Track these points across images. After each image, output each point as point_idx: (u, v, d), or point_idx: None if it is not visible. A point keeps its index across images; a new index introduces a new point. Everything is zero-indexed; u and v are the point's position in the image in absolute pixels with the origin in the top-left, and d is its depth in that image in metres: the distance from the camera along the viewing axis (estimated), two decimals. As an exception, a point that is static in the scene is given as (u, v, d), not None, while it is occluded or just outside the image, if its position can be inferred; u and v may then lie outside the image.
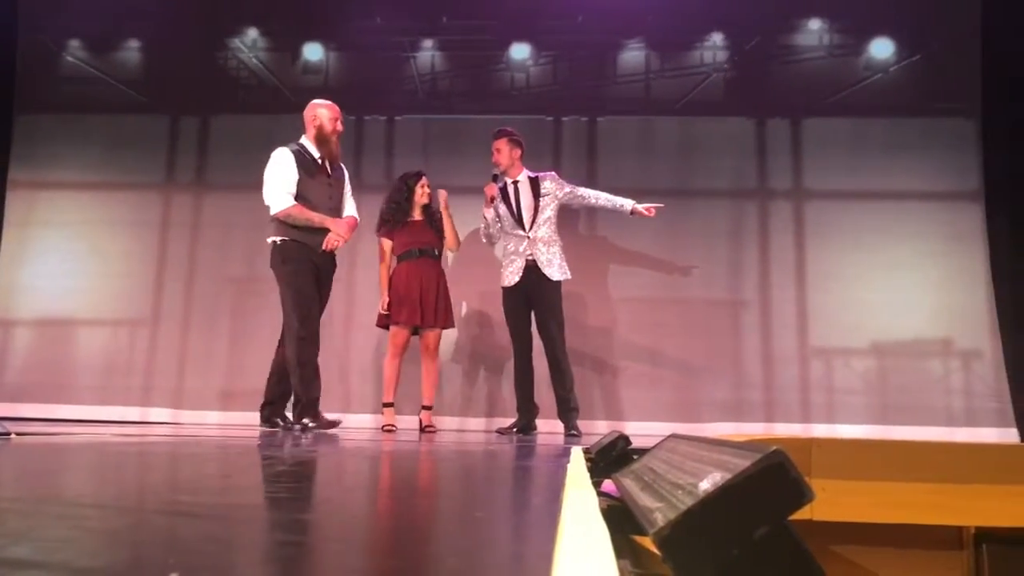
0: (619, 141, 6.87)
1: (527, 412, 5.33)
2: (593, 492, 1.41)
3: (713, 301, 6.62)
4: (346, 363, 6.63)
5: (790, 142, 6.77)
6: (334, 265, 5.05)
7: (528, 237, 5.30)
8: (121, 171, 7.10)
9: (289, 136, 7.06)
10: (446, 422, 6.29)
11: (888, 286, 6.44)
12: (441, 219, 5.52)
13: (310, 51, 7.13)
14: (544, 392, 5.47)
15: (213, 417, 6.55)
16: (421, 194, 5.52)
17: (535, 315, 5.31)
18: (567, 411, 5.18)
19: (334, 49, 7.13)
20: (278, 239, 4.82)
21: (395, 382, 5.46)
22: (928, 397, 6.31)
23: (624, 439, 2.44)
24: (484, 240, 5.55)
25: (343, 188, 5.11)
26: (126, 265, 6.94)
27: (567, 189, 5.43)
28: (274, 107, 7.03)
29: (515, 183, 5.40)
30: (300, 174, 4.84)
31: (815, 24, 6.86)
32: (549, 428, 5.59)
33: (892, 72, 6.75)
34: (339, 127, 5.03)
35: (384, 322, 5.47)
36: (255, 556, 0.86)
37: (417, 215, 5.53)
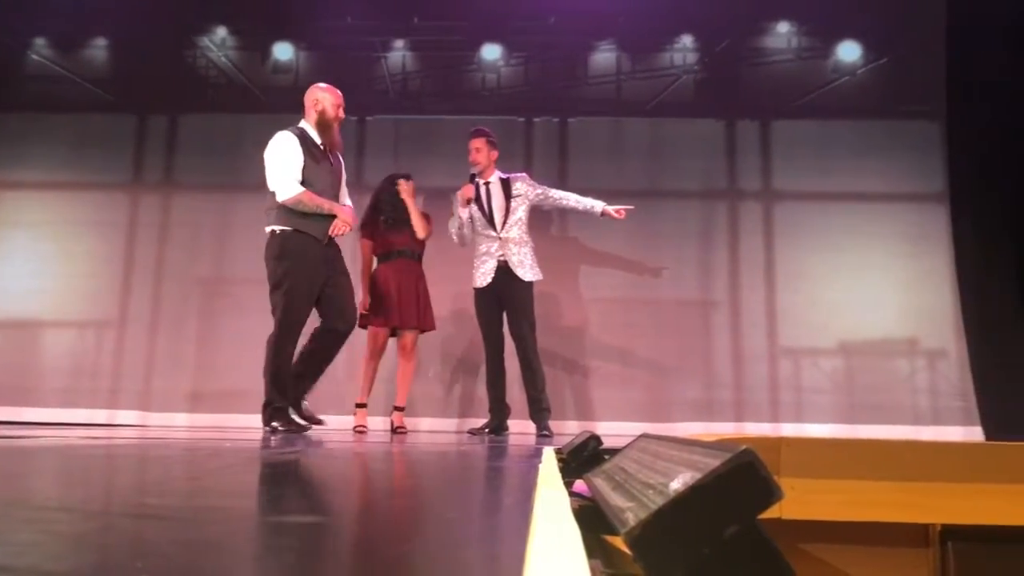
0: (590, 142, 6.89)
1: (499, 413, 5.33)
2: (565, 492, 1.42)
3: (683, 301, 6.66)
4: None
5: (759, 143, 6.83)
6: (339, 252, 4.76)
7: (500, 238, 5.29)
8: (88, 171, 7.01)
9: (259, 136, 6.97)
10: (421, 423, 6.27)
11: (855, 286, 6.51)
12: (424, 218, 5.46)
13: (280, 50, 7.08)
14: (516, 393, 5.47)
15: (181, 419, 6.49)
16: (406, 192, 5.43)
17: (507, 316, 5.31)
18: (539, 412, 5.19)
19: (304, 49, 7.09)
20: (278, 228, 4.49)
21: (370, 383, 5.43)
22: (895, 396, 6.39)
23: (595, 439, 2.44)
24: (456, 240, 5.54)
25: (342, 178, 4.89)
26: (92, 266, 6.86)
27: (538, 190, 5.43)
28: (243, 107, 6.99)
29: (487, 184, 5.40)
30: (305, 159, 4.54)
31: (784, 27, 6.93)
32: (521, 429, 5.59)
33: (859, 75, 6.83)
34: (341, 114, 4.76)
35: (363, 322, 5.43)
36: (223, 559, 0.85)
37: (401, 216, 5.44)
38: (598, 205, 5.42)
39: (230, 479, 1.88)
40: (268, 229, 4.55)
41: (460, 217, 5.38)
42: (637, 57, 6.98)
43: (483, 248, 5.34)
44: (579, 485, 1.83)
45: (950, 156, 6.61)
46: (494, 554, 0.91)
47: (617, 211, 5.39)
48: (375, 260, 5.49)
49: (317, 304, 4.62)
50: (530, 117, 6.92)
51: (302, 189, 4.47)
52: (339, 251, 4.74)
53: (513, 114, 6.91)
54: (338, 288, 4.62)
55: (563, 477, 1.81)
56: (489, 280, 5.27)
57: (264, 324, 6.53)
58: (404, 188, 5.39)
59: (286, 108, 6.92)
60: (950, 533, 2.68)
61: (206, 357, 6.63)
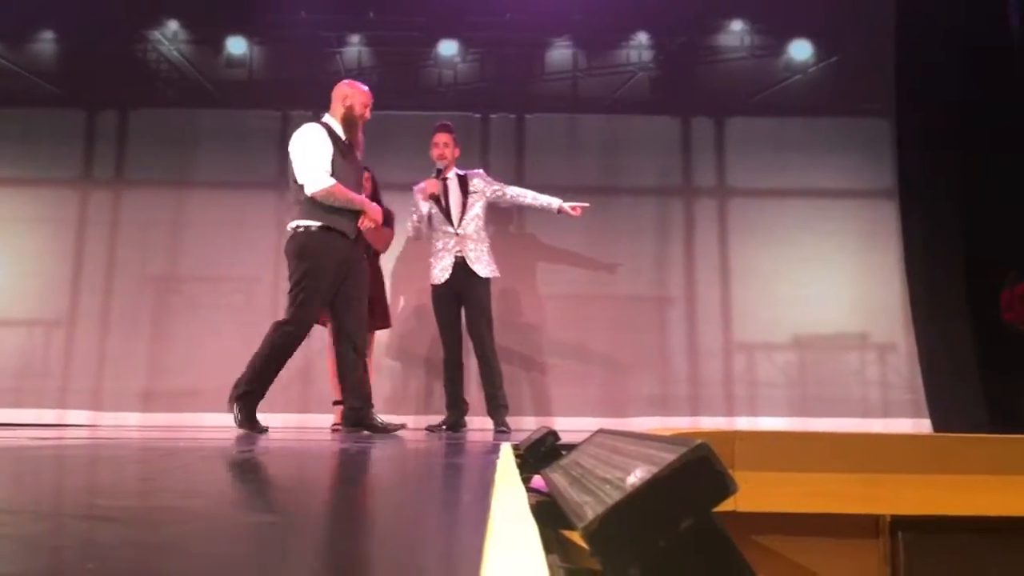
0: (547, 138, 6.90)
1: (456, 409, 5.33)
2: (522, 488, 1.42)
3: (639, 297, 6.70)
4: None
5: (714, 140, 6.90)
6: (364, 255, 4.68)
7: (457, 234, 5.29)
8: (36, 167, 6.87)
9: (213, 131, 6.91)
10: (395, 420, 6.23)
11: (808, 281, 6.61)
12: (386, 214, 5.36)
13: (233, 45, 6.99)
14: (474, 389, 5.48)
15: (134, 419, 6.39)
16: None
17: (465, 313, 5.31)
18: (496, 408, 5.20)
19: (258, 43, 7.02)
20: (302, 225, 4.32)
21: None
22: (846, 389, 6.50)
23: (553, 435, 2.45)
24: (412, 234, 5.51)
25: (363, 177, 4.80)
26: (41, 264, 6.72)
27: (495, 187, 5.43)
28: (196, 101, 6.90)
29: (445, 179, 5.39)
30: (334, 153, 4.39)
31: (737, 25, 7.00)
32: (479, 425, 5.60)
33: (811, 73, 6.93)
34: (368, 114, 4.64)
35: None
36: (178, 560, 0.84)
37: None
38: (555, 202, 5.44)
39: (184, 479, 1.85)
40: (292, 225, 4.36)
41: (420, 211, 5.36)
42: (593, 54, 7.01)
43: (440, 244, 5.33)
44: (536, 481, 1.84)
45: (899, 153, 6.74)
46: (451, 551, 0.91)
47: (573, 208, 5.41)
48: None
49: (331, 303, 4.45)
50: (486, 113, 6.92)
51: (333, 181, 4.29)
52: (362, 250, 4.65)
53: (470, 110, 6.90)
54: (355, 288, 4.47)
55: (521, 473, 1.82)
56: (447, 276, 5.27)
57: (218, 322, 6.52)
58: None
59: (240, 103, 6.89)
60: (900, 523, 2.73)
61: (159, 356, 6.54)
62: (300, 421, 6.21)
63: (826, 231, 6.71)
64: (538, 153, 6.85)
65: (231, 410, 4.33)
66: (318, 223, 4.29)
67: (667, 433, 2.15)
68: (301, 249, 4.31)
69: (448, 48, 6.95)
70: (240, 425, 4.32)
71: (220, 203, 6.75)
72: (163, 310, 6.62)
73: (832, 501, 2.66)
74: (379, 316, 5.34)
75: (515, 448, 2.53)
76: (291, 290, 4.34)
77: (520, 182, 6.08)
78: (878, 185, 6.75)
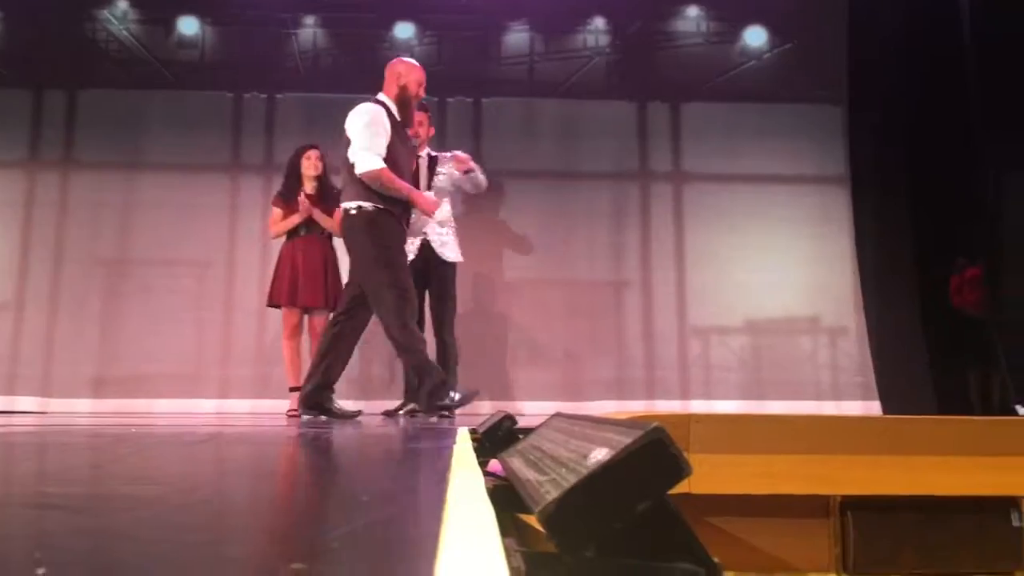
0: (504, 122, 6.89)
1: (415, 392, 5.27)
2: (479, 472, 1.42)
3: (596, 282, 6.73)
4: (227, 345, 6.46)
5: (670, 126, 6.93)
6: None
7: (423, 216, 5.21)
8: (-19, 147, 6.70)
9: (165, 113, 6.78)
10: (346, 406, 6.18)
11: (762, 266, 6.68)
12: (334, 195, 5.26)
13: (185, 24, 6.85)
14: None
15: (84, 405, 6.28)
16: (307, 166, 5.21)
17: (430, 295, 5.26)
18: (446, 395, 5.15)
19: (211, 23, 6.88)
20: (367, 204, 4.15)
21: (298, 364, 5.17)
22: (798, 372, 6.60)
23: (510, 419, 2.46)
24: None
25: (416, 159, 4.61)
26: (-13, 247, 6.57)
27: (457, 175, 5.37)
28: (147, 82, 6.76)
29: (417, 158, 5.32)
30: (392, 135, 4.23)
31: (693, 11, 7.03)
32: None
33: (765, 59, 6.98)
34: (422, 92, 4.50)
35: (269, 301, 5.27)
36: (129, 548, 0.83)
37: (308, 189, 5.23)
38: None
39: (136, 466, 1.83)
40: (353, 205, 4.19)
41: None
42: (550, 38, 6.99)
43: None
44: (494, 465, 1.84)
45: (851, 140, 6.83)
46: (408, 535, 0.91)
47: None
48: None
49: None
50: (443, 97, 6.86)
51: (383, 165, 4.15)
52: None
53: (426, 93, 6.83)
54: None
55: (478, 457, 1.82)
56: (411, 258, 5.21)
57: (170, 306, 6.42)
58: (303, 203, 5.12)
59: (192, 84, 6.77)
60: (850, 504, 2.79)
61: (110, 341, 6.43)
62: (254, 407, 6.15)
63: (779, 217, 6.78)
64: (494, 137, 6.82)
65: (440, 411, 4.18)
66: (383, 205, 4.17)
67: (623, 417, 2.16)
68: (371, 227, 4.16)
69: (404, 30, 6.88)
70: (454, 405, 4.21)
71: (172, 186, 6.64)
72: (114, 294, 6.50)
73: (784, 482, 2.71)
74: (332, 298, 5.23)
75: (472, 432, 2.53)
76: (372, 275, 4.17)
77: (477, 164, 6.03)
78: (830, 172, 6.84)
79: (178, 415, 5.57)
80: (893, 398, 6.30)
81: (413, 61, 4.56)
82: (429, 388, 4.15)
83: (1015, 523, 2.75)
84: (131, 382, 6.29)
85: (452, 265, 5.26)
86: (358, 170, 4.14)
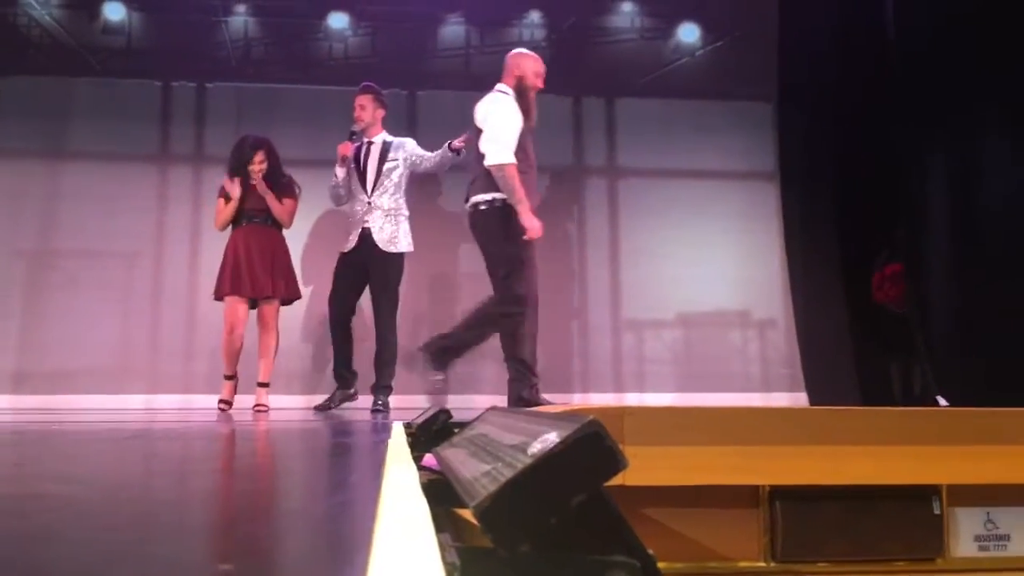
0: (439, 115, 6.84)
1: (345, 382, 5.19)
2: (414, 467, 1.41)
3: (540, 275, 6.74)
4: (155, 339, 6.32)
5: (605, 121, 6.98)
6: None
7: (368, 203, 5.15)
8: None
9: (90, 101, 6.60)
10: (297, 400, 6.10)
11: (694, 261, 6.78)
12: (281, 185, 5.15)
13: (110, 10, 6.66)
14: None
15: (4, 401, 6.08)
16: (256, 171, 5.03)
17: (370, 288, 5.18)
18: (380, 387, 5.11)
19: (137, 9, 6.70)
20: (497, 197, 4.26)
21: (235, 355, 5.05)
22: (729, 365, 6.72)
23: (445, 413, 2.46)
24: (331, 199, 5.31)
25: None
26: (-101, 238, 6.31)
27: (415, 153, 5.25)
28: (71, 69, 6.57)
29: (369, 143, 5.23)
30: (522, 128, 4.28)
31: (627, 7, 7.08)
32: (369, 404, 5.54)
33: (698, 56, 7.07)
34: (540, 84, 4.56)
35: (217, 293, 5.14)
36: (51, 551, 0.81)
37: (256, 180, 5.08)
38: (444, 149, 5.31)
39: (61, 464, 1.78)
40: (488, 197, 4.29)
41: (336, 175, 5.18)
42: (486, 31, 6.98)
43: (353, 211, 5.19)
44: (428, 459, 1.84)
45: (780, 137, 6.95)
46: (341, 532, 0.90)
47: (458, 142, 5.25)
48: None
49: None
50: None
51: (513, 160, 4.22)
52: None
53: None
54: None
55: (412, 452, 1.81)
56: (352, 246, 5.13)
57: (96, 299, 6.25)
58: (258, 181, 5.03)
59: (119, 72, 6.60)
60: (778, 493, 2.84)
61: (32, 335, 6.24)
62: (184, 402, 6.04)
63: (711, 211, 6.89)
64: (430, 130, 6.75)
65: (426, 360, 4.38)
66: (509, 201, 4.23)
67: (557, 410, 2.17)
68: (507, 221, 4.24)
69: (338, 21, 6.80)
70: (432, 367, 4.42)
71: (98, 175, 6.46)
72: (37, 287, 6.31)
73: (715, 473, 2.75)
74: (287, 287, 5.13)
75: (407, 427, 2.52)
76: (500, 267, 4.32)
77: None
78: (760, 167, 6.96)
79: (104, 411, 5.44)
80: (819, 390, 6.44)
81: (532, 53, 4.66)
82: (522, 387, 4.38)
83: (936, 510, 2.83)
84: (55, 378, 6.12)
85: (394, 257, 5.17)
86: (487, 161, 4.22)
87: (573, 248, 6.80)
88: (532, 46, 6.96)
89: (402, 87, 6.83)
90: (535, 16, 6.99)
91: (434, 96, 6.88)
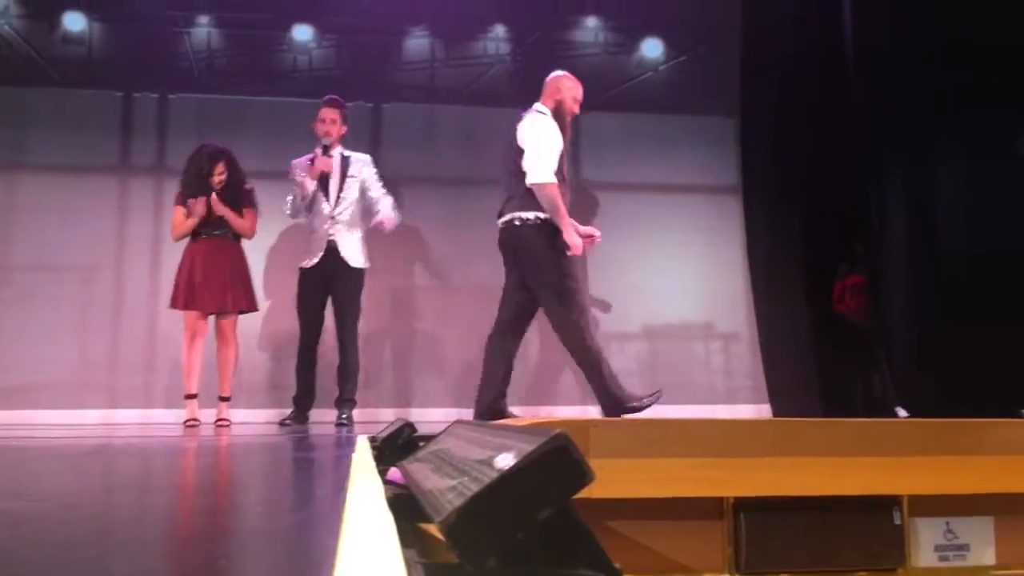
0: (404, 128, 6.85)
1: (309, 401, 5.19)
2: (379, 481, 1.40)
3: (496, 288, 6.72)
4: (114, 353, 6.23)
5: (571, 134, 6.99)
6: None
7: (331, 217, 5.13)
8: None
9: (49, 112, 6.51)
10: (258, 414, 6.02)
11: (658, 273, 6.82)
12: (241, 195, 5.12)
13: (71, 20, 6.57)
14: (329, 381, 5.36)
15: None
16: (217, 182, 5.03)
17: (333, 302, 5.16)
18: (344, 401, 5.11)
19: (98, 19, 6.62)
20: (540, 215, 4.36)
21: (196, 371, 5.01)
22: (693, 377, 6.76)
23: (410, 427, 2.44)
24: (288, 212, 5.26)
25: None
26: None
27: (369, 180, 5.28)
28: (30, 80, 6.47)
29: (329, 157, 5.23)
30: (562, 149, 4.41)
31: (592, 22, 7.13)
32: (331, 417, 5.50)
33: (661, 71, 7.14)
34: (576, 109, 4.69)
35: (173, 304, 5.07)
36: (8, 569, 0.79)
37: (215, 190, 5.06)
38: (381, 215, 5.27)
39: (18, 480, 1.74)
40: (529, 215, 4.38)
41: (305, 189, 5.12)
42: (451, 44, 6.99)
43: (315, 226, 5.16)
44: (393, 473, 1.82)
45: (743, 151, 7.03)
46: (305, 547, 0.89)
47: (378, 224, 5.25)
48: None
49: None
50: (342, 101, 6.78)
51: (555, 180, 4.33)
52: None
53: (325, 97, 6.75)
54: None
55: (377, 466, 1.80)
56: (316, 261, 5.11)
57: (54, 313, 6.15)
58: (215, 203, 4.99)
59: (79, 83, 6.51)
60: (742, 505, 2.86)
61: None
62: (144, 416, 5.95)
63: (675, 225, 6.94)
64: (395, 143, 6.78)
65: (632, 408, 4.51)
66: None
67: (523, 423, 2.17)
68: (554, 241, 4.33)
69: (302, 33, 6.77)
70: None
71: (56, 188, 6.37)
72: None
73: (680, 485, 2.76)
74: (238, 299, 5.08)
75: (371, 441, 2.50)
76: (552, 286, 4.37)
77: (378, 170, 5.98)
78: (723, 181, 7.03)
79: (63, 427, 5.35)
80: (782, 401, 6.50)
81: (573, 77, 4.74)
82: (607, 391, 4.49)
83: (897, 521, 2.87)
84: (12, 393, 5.99)
85: (358, 272, 5.18)
86: (530, 180, 4.33)
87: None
88: (496, 60, 7.00)
89: (366, 99, 6.82)
90: (500, 30, 7.02)
91: (399, 109, 6.87)
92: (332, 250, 5.10)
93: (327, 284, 5.13)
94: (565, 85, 4.68)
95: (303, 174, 5.14)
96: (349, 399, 5.11)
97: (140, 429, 4.88)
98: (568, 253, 4.36)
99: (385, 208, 5.28)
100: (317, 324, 5.16)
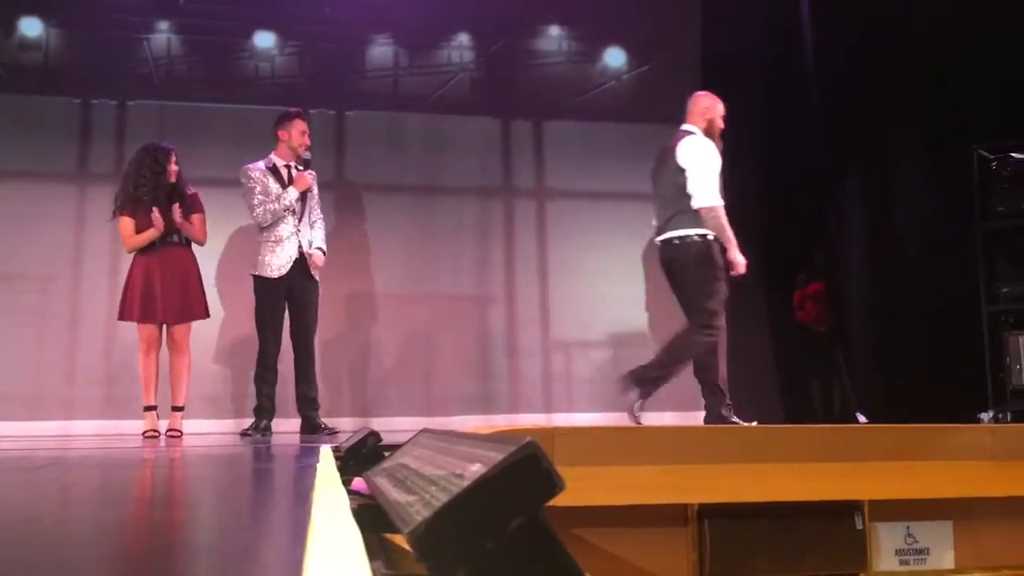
0: (368, 136, 6.81)
1: (271, 411, 5.15)
2: (344, 492, 1.39)
3: (461, 296, 6.74)
4: (71, 364, 6.12)
5: (533, 142, 7.03)
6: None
7: (299, 229, 5.13)
8: None
9: (5, 118, 6.39)
10: (213, 424, 5.94)
11: (621, 280, 6.84)
12: (188, 200, 5.04)
13: (27, 26, 6.44)
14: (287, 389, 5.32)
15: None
16: (171, 172, 4.97)
17: (293, 311, 5.14)
18: (315, 409, 5.13)
19: (55, 25, 6.51)
20: (701, 233, 4.59)
21: (153, 382, 4.93)
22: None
23: (374, 436, 2.42)
24: (260, 218, 5.14)
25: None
26: None
27: (316, 195, 5.31)
28: (-15, 86, 6.35)
29: (289, 168, 5.22)
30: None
31: (555, 31, 7.16)
32: (294, 427, 5.45)
33: (624, 80, 7.18)
34: (723, 126, 4.84)
35: (122, 315, 4.99)
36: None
37: (163, 193, 4.96)
38: (313, 247, 5.23)
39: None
40: (683, 234, 4.60)
41: (289, 200, 5.09)
42: (415, 52, 6.98)
43: (280, 235, 5.12)
44: (358, 483, 1.81)
45: (705, 160, 7.08)
46: (269, 563, 0.87)
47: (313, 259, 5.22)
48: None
49: None
50: (306, 108, 6.71)
51: (722, 203, 4.59)
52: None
53: (288, 104, 6.67)
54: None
55: (341, 476, 1.78)
56: (284, 272, 5.08)
57: (9, 323, 6.03)
58: (182, 223, 4.96)
59: (35, 89, 6.40)
60: (706, 512, 2.88)
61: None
62: (101, 428, 5.85)
63: (638, 232, 6.94)
64: (359, 151, 6.74)
65: (626, 391, 4.73)
66: (712, 234, 4.57)
67: (488, 432, 2.16)
68: (702, 256, 4.57)
69: (264, 40, 6.70)
70: (637, 395, 4.71)
71: (12, 196, 6.24)
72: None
73: (645, 493, 2.77)
74: (190, 308, 5.01)
75: (335, 450, 2.48)
76: (695, 296, 4.61)
77: (340, 180, 5.99)
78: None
79: (17, 439, 5.24)
80: (743, 408, 6.54)
81: (715, 96, 4.94)
82: (719, 406, 4.70)
83: (858, 526, 2.90)
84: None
85: (317, 282, 5.23)
86: (698, 203, 4.56)
87: (502, 269, 6.81)
88: (460, 67, 7.00)
89: (330, 107, 6.78)
90: (464, 38, 7.02)
91: (362, 116, 6.84)
92: (300, 262, 5.11)
93: (289, 294, 5.12)
94: (709, 104, 4.90)
95: (266, 179, 5.12)
96: (318, 404, 5.14)
97: (98, 440, 4.79)
98: (732, 272, 4.66)
99: (317, 239, 5.26)
100: (280, 336, 5.14)
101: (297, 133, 5.25)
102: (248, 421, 5.32)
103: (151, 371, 4.94)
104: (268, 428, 5.12)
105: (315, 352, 5.20)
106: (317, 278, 5.20)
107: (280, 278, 5.09)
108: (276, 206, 5.11)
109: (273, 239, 5.14)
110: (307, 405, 5.16)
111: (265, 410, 5.13)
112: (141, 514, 1.43)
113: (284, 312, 5.16)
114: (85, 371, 6.12)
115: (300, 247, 5.13)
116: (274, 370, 5.15)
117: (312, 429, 5.10)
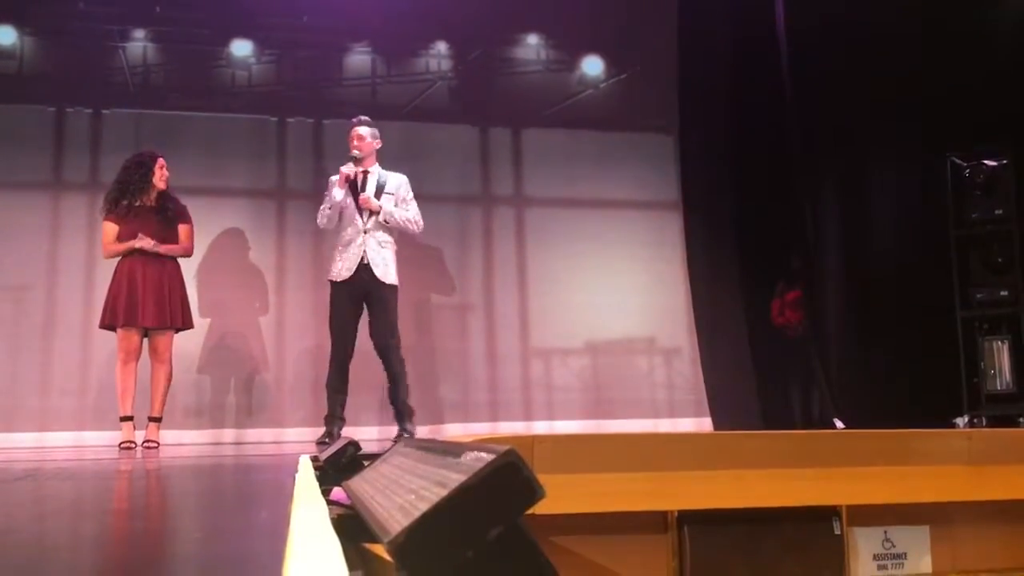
0: (345, 144, 6.77)
1: (340, 420, 5.07)
2: (323, 502, 1.38)
3: (439, 304, 6.72)
4: (47, 374, 6.05)
5: (511, 150, 7.03)
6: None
7: (363, 231, 5.08)
8: None
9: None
10: (192, 435, 5.88)
11: (600, 289, 6.86)
12: (175, 210, 5.03)
13: (1, 34, 6.40)
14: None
15: None
16: (160, 177, 4.96)
17: (370, 319, 5.08)
18: (405, 416, 5.10)
19: (30, 33, 6.46)
20: None
21: (131, 391, 4.87)
22: (636, 391, 6.80)
23: (354, 445, 2.41)
24: (323, 220, 5.17)
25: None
26: None
27: (406, 197, 5.25)
28: (-43, 94, 6.28)
29: (366, 172, 5.18)
30: None
31: (533, 39, 7.18)
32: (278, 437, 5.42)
33: (602, 88, 7.21)
34: None
35: (104, 322, 4.95)
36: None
37: (150, 201, 4.97)
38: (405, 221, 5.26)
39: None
40: None
41: (334, 198, 5.08)
42: (392, 61, 6.97)
43: (347, 238, 5.09)
44: (337, 493, 1.80)
45: (682, 167, 7.12)
46: (248, 573, 0.87)
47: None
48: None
49: None
50: (283, 117, 6.71)
51: None
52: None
53: (266, 113, 6.67)
54: None
55: (321, 486, 1.77)
56: (350, 275, 5.03)
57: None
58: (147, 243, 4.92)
59: (9, 97, 6.34)
60: (685, 518, 2.88)
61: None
62: (77, 439, 5.79)
63: (616, 240, 6.98)
64: (336, 159, 6.69)
65: None
66: None
67: (468, 440, 2.16)
68: None
69: (241, 48, 6.68)
70: None
71: (-15, 205, 6.18)
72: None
73: (624, 499, 2.77)
74: (175, 316, 4.96)
75: (314, 460, 2.47)
76: None
77: (316, 188, 5.95)
78: (663, 197, 7.11)
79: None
80: (723, 414, 6.58)
81: None
82: None
83: (836, 531, 2.92)
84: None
85: (393, 288, 5.12)
86: None
87: (481, 277, 6.81)
88: (438, 76, 7.01)
89: (307, 115, 6.76)
90: (442, 46, 7.02)
91: (341, 125, 6.82)
92: (366, 266, 5.03)
93: (362, 300, 5.06)
94: None
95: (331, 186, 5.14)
96: (411, 412, 5.12)
97: (73, 452, 4.74)
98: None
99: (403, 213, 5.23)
100: (349, 337, 5.05)
101: (352, 139, 5.26)
102: (225, 432, 5.26)
103: (129, 381, 4.88)
104: (336, 437, 5.00)
105: (401, 363, 5.12)
106: (387, 280, 5.08)
107: (348, 281, 5.04)
108: (326, 207, 5.15)
109: (340, 241, 5.13)
110: (398, 415, 5.12)
111: (337, 417, 5.03)
112: (118, 526, 1.41)
113: (354, 315, 5.08)
114: (60, 382, 6.05)
115: (364, 252, 5.05)
116: (341, 376, 5.06)
117: (397, 434, 5.04)
